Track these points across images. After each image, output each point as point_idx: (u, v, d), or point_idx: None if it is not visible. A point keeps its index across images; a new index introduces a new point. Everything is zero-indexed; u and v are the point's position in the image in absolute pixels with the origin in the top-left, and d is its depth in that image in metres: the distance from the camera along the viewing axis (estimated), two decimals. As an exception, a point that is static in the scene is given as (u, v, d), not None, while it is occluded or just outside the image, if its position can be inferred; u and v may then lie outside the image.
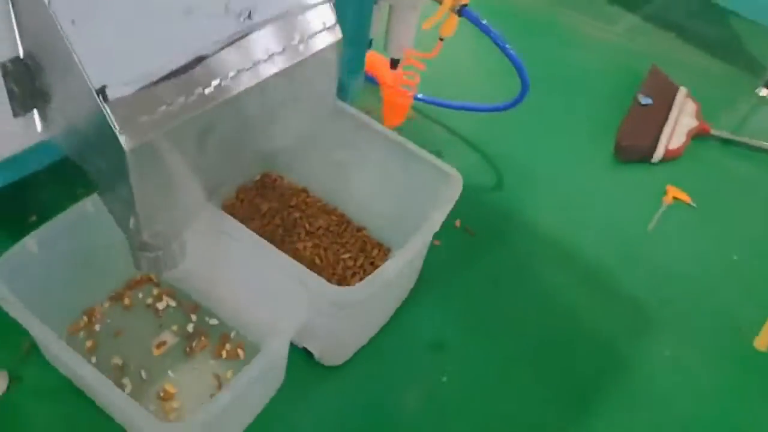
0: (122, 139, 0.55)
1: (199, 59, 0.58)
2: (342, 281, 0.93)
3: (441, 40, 0.99)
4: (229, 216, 0.78)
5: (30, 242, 0.75)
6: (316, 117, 0.73)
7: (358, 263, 0.96)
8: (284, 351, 0.78)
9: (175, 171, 0.61)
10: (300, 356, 0.87)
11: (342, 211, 1.02)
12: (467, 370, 0.90)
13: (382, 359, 0.89)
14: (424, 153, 0.87)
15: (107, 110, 0.54)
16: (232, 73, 0.60)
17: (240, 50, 0.61)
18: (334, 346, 0.84)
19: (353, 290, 0.73)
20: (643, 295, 1.05)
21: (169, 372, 0.84)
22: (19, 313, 0.69)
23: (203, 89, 0.59)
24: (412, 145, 0.88)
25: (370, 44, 1.00)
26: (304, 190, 1.04)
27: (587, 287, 1.05)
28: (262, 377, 0.74)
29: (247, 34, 0.61)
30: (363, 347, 0.89)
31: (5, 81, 0.64)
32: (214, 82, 0.59)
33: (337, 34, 0.67)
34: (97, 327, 0.87)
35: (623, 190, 1.24)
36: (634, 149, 1.28)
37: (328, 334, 0.82)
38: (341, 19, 0.93)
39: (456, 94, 1.27)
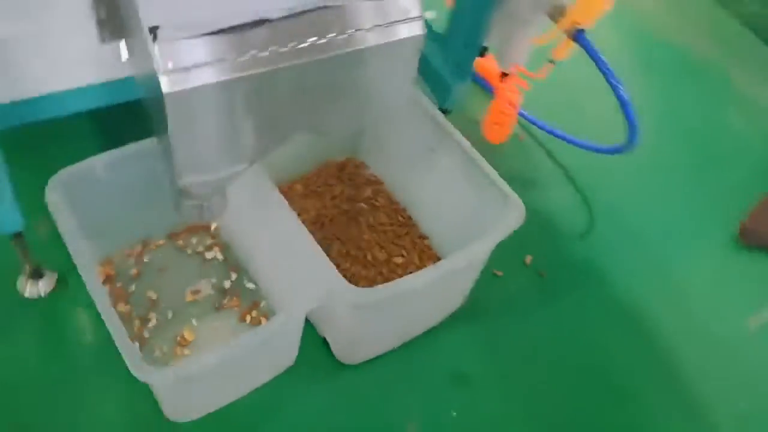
0: (163, 81, 0.55)
1: (260, 22, 0.57)
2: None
3: (551, 62, 0.91)
4: (274, 189, 0.78)
5: (97, 161, 0.79)
6: (382, 112, 0.70)
7: (408, 270, 0.92)
8: (294, 326, 0.76)
9: (216, 127, 0.61)
10: (319, 346, 0.85)
11: (410, 214, 0.99)
12: (482, 413, 0.84)
13: (398, 373, 0.85)
14: (493, 173, 0.82)
15: (155, 50, 0.54)
16: (292, 44, 0.59)
17: (307, 23, 0.59)
18: (350, 344, 0.81)
19: (368, 292, 0.69)
20: (715, 402, 0.91)
21: (193, 320, 0.85)
22: (60, 221, 0.73)
23: (258, 52, 0.58)
24: (484, 163, 0.82)
25: (484, 51, 0.95)
26: (380, 183, 1.02)
27: (656, 377, 0.93)
28: (262, 347, 0.73)
29: (317, 8, 0.59)
30: (384, 355, 0.86)
31: (95, 6, 0.68)
32: (272, 48, 0.58)
33: (419, 29, 0.64)
34: (146, 258, 0.91)
35: (735, 278, 1.09)
36: (760, 235, 1.12)
37: (345, 330, 0.79)
38: (458, 19, 0.90)
39: (575, 124, 1.18)
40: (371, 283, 0.90)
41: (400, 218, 0.98)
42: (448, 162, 0.88)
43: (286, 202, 0.77)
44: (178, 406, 0.75)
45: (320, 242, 0.90)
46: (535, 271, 0.99)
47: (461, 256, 0.75)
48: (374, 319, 0.77)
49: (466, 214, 0.87)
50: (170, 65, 0.55)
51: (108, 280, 0.88)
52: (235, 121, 0.61)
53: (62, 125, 0.94)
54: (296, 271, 0.76)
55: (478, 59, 0.97)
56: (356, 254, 0.92)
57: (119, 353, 0.63)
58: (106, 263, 0.89)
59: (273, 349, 0.79)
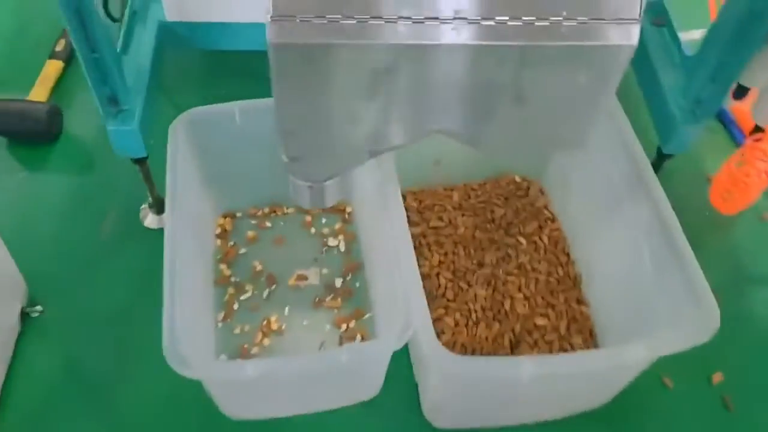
0: (270, 29, 0.43)
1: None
2: (514, 348, 0.72)
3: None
4: (397, 189, 0.64)
5: (237, 107, 0.71)
6: (556, 136, 0.51)
7: (547, 338, 0.72)
8: (374, 357, 0.62)
9: (328, 99, 0.48)
10: (413, 389, 0.71)
11: (577, 271, 0.78)
12: None
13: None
14: (688, 255, 0.59)
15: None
16: (446, 18, 0.43)
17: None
18: (435, 405, 0.65)
19: (459, 361, 0.53)
20: None
21: (287, 309, 0.75)
22: (172, 153, 0.66)
23: (391, 22, 0.43)
24: (680, 238, 0.59)
25: (743, 93, 0.70)
26: (553, 219, 0.82)
27: None
28: (328, 372, 0.60)
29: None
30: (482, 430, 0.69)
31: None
32: (415, 17, 0.43)
33: (632, 37, 0.44)
34: (268, 223, 0.82)
35: None
36: None
37: (432, 387, 0.63)
38: (712, 43, 0.66)
39: None
40: (495, 339, 0.72)
41: (562, 270, 0.78)
42: (633, 219, 0.66)
43: (403, 210, 0.62)
44: (226, 403, 0.66)
45: (459, 269, 0.76)
46: (720, 396, 0.73)
47: (599, 357, 0.55)
48: (468, 391, 0.60)
49: (639, 297, 0.65)
50: (282, 14, 0.43)
51: (222, 235, 0.81)
52: (356, 98, 0.48)
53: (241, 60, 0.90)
54: (395, 296, 0.61)
55: (733, 102, 0.72)
56: (493, 297, 0.75)
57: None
58: (228, 216, 0.82)
59: (351, 376, 0.66)
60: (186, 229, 0.65)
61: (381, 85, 0.47)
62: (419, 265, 0.61)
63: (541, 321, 0.73)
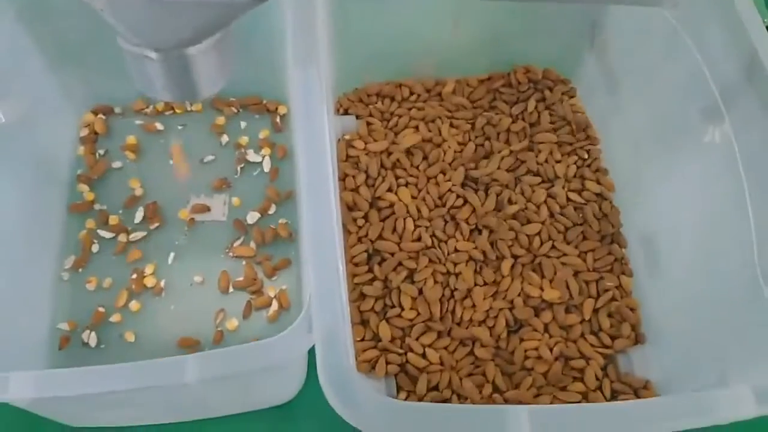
0: None
1: None
2: (511, 335, 0.46)
3: None
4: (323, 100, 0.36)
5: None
6: None
7: (562, 321, 0.47)
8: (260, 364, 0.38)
9: None
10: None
11: (626, 240, 0.51)
12: None
13: None
14: None
15: None
16: None
17: None
18: None
19: (385, 407, 0.27)
20: None
21: (171, 255, 0.50)
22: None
23: None
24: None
25: None
26: (595, 153, 0.54)
27: None
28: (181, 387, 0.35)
29: None
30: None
31: None
32: None
33: None
34: (159, 125, 0.55)
35: None
36: None
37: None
38: None
39: None
40: (483, 320, 0.46)
41: (598, 223, 0.50)
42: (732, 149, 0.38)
43: (324, 112, 0.35)
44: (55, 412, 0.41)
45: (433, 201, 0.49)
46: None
47: (692, 407, 0.29)
48: None
49: (728, 285, 0.38)
50: None
51: (88, 139, 0.54)
52: None
53: None
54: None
55: None
56: (484, 254, 0.48)
57: None
58: (100, 112, 0.55)
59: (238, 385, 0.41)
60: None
61: None
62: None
63: (554, 294, 0.47)
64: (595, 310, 0.47)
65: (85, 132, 0.54)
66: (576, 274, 0.48)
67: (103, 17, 0.29)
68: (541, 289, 0.47)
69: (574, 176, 0.52)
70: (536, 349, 0.45)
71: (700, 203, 0.43)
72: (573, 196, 0.51)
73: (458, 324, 0.46)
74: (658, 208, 0.47)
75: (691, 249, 0.43)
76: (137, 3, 0.28)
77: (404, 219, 0.49)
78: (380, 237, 0.48)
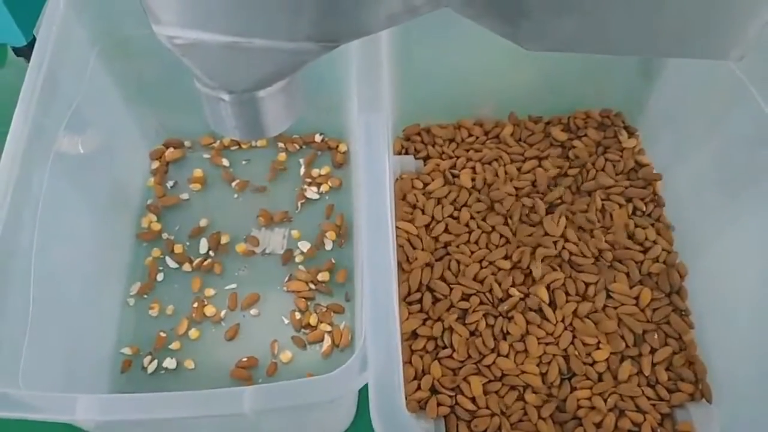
0: None
1: None
2: (561, 385, 0.46)
3: None
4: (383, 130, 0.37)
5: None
6: (689, 28, 0.24)
7: (616, 374, 0.46)
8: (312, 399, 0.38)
9: None
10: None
11: (687, 286, 0.50)
12: None
13: None
14: None
15: None
16: None
17: None
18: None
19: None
20: None
21: (232, 287, 0.52)
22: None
23: None
24: None
25: None
26: (656, 196, 0.54)
27: None
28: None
29: None
30: None
31: None
32: None
33: None
34: (224, 161, 0.58)
35: None
36: None
37: None
38: None
39: None
40: (533, 370, 0.46)
41: (658, 275, 0.50)
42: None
43: (385, 152, 0.36)
44: None
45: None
46: None
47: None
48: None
49: None
50: None
51: (159, 170, 0.57)
52: None
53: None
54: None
55: None
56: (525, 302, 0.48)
57: None
58: (171, 146, 0.58)
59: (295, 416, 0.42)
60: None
61: None
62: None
63: (609, 348, 0.46)
64: (654, 364, 0.46)
65: (156, 164, 0.57)
66: (632, 324, 0.47)
67: (181, 60, 0.31)
68: (598, 340, 0.46)
69: (635, 225, 0.51)
70: (589, 398, 0.44)
71: (766, 253, 0.42)
72: (630, 244, 0.50)
73: (510, 369, 0.46)
74: (722, 258, 0.46)
75: (756, 303, 0.42)
76: (214, 49, 0.30)
77: (458, 260, 0.49)
78: (434, 277, 0.49)
